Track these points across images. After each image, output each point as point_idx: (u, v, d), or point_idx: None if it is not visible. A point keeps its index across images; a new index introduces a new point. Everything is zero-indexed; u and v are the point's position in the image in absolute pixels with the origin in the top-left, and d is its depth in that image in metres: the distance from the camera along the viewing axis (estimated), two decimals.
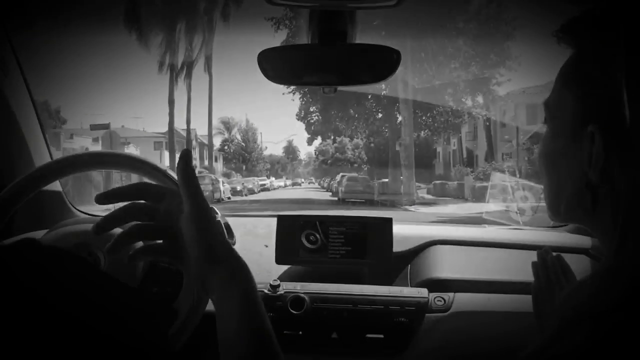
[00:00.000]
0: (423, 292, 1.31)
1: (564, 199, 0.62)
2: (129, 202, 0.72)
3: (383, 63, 1.00)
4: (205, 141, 34.53)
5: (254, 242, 1.58)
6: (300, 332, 1.28)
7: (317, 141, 36.86)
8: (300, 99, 25.68)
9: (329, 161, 36.13)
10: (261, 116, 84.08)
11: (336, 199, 21.69)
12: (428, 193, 22.16)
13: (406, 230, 1.59)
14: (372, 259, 1.43)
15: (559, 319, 0.52)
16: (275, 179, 41.85)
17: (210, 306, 0.73)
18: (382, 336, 1.27)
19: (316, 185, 38.09)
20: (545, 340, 0.51)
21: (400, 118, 21.23)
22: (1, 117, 1.44)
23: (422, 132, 23.37)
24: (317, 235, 1.44)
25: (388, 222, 1.45)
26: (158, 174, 0.91)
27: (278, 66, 1.03)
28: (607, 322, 0.47)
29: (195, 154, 33.38)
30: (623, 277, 0.50)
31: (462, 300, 1.29)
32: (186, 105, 27.30)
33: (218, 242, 0.68)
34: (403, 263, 1.50)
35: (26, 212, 1.30)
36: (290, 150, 53.73)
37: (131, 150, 24.92)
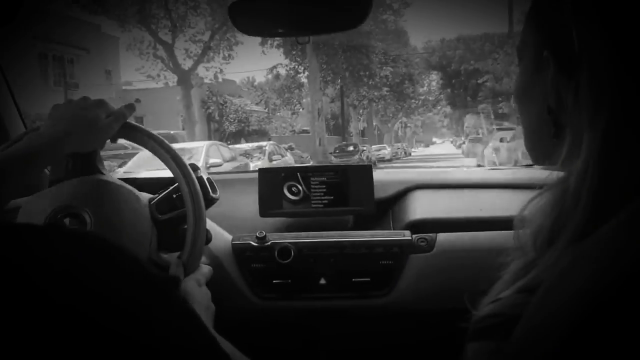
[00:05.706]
0: (406, 234, 1.35)
1: (537, 136, 0.63)
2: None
3: (355, 7, 0.99)
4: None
5: (235, 197, 1.59)
6: (290, 280, 1.31)
7: None
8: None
9: None
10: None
11: None
12: None
13: (386, 176, 1.61)
14: (355, 206, 1.45)
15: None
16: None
17: None
18: (368, 279, 1.31)
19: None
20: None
21: None
22: None
23: None
24: (299, 187, 1.45)
25: (368, 168, 1.47)
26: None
27: (250, 18, 1.02)
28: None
29: None
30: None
31: (445, 239, 1.33)
32: None
33: None
34: (385, 209, 1.53)
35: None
36: None
37: None
